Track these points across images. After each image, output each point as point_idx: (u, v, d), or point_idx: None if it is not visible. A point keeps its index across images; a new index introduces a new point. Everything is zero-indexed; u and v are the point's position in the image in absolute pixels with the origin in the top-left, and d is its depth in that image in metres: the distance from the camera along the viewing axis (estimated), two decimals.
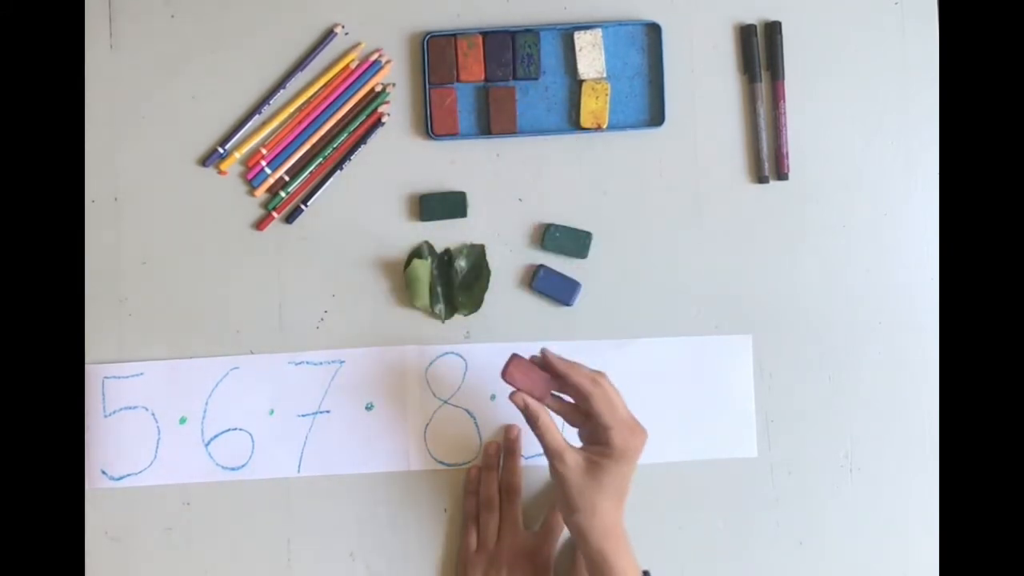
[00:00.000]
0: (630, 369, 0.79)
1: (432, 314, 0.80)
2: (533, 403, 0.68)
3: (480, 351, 0.80)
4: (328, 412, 0.80)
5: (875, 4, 0.81)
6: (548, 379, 0.69)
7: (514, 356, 0.70)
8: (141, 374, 0.80)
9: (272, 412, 0.80)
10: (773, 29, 0.80)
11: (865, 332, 0.80)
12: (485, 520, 0.77)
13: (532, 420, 0.68)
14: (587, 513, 0.66)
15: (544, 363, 0.70)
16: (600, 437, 0.67)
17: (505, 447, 0.79)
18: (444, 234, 0.80)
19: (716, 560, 0.78)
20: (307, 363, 0.80)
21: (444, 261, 0.80)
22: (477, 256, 0.80)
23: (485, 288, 0.79)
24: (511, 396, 0.69)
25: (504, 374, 0.69)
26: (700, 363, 0.79)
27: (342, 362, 0.80)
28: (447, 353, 0.80)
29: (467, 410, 0.80)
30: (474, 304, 0.79)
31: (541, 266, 0.79)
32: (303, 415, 0.80)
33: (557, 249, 0.80)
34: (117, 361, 0.80)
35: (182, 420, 0.80)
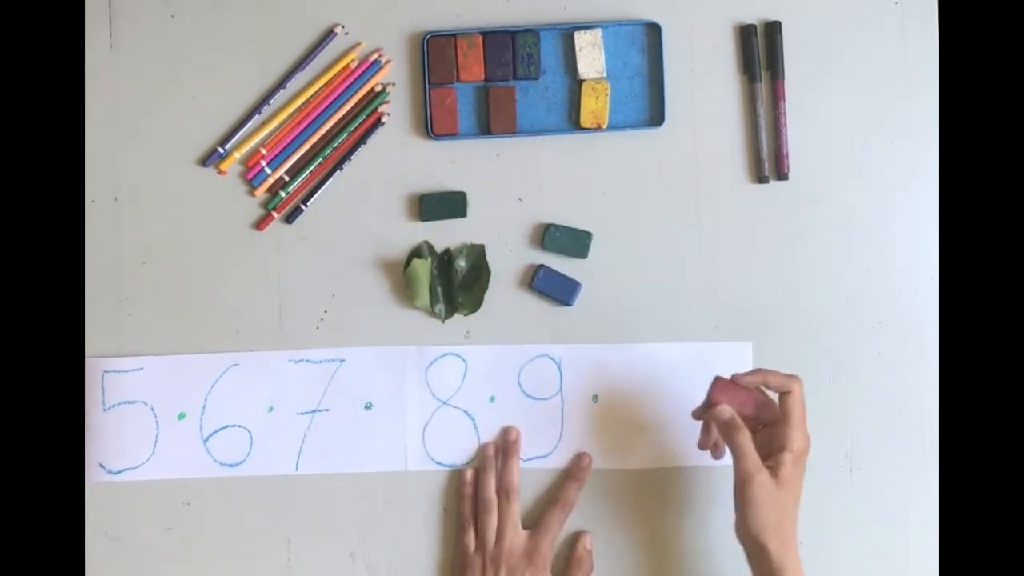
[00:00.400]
0: (630, 374, 0.79)
1: (432, 314, 0.80)
2: (738, 420, 0.69)
3: (480, 352, 0.80)
4: (327, 410, 0.80)
5: (875, 4, 0.81)
6: (753, 395, 0.70)
7: (717, 379, 0.71)
8: (141, 368, 0.80)
9: (271, 409, 0.80)
10: (773, 29, 0.80)
11: (865, 332, 0.80)
12: (484, 521, 0.77)
13: (732, 435, 0.68)
14: (774, 528, 0.67)
15: (740, 382, 0.71)
16: (780, 441, 0.68)
17: (504, 448, 0.79)
18: (444, 234, 0.80)
19: (717, 561, 0.78)
20: (307, 361, 0.80)
21: (444, 261, 0.80)
22: (477, 256, 0.80)
23: (485, 288, 0.79)
24: (714, 408, 0.69)
25: (711, 399, 0.70)
26: (700, 369, 0.79)
27: (342, 361, 0.80)
28: (447, 354, 0.80)
29: (466, 411, 0.80)
30: (474, 304, 0.79)
31: (541, 266, 0.79)
32: (302, 413, 0.80)
33: (557, 249, 0.80)
34: (118, 357, 0.80)
35: (181, 416, 0.80)
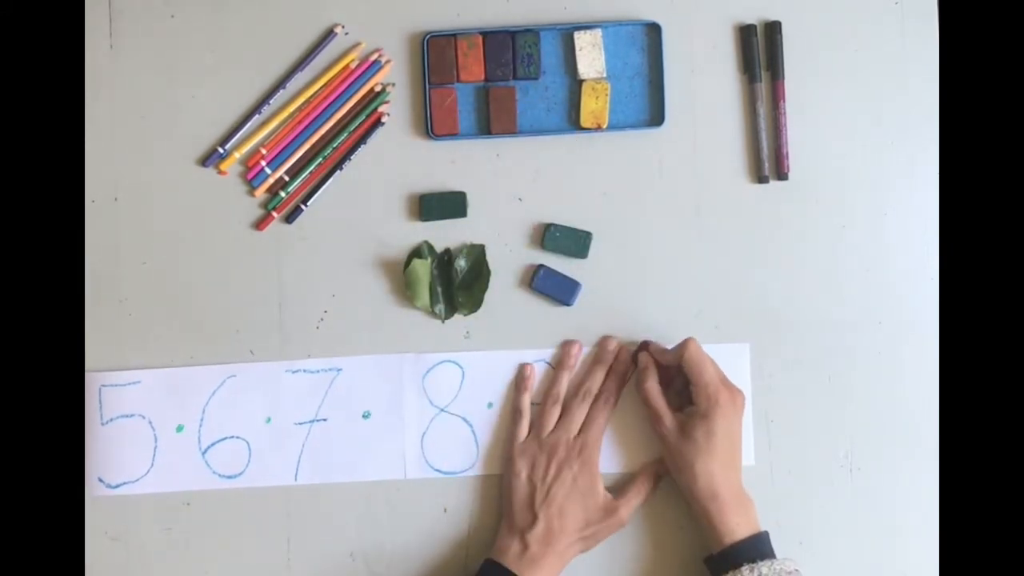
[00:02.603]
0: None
1: (432, 314, 0.80)
2: (645, 361, 0.77)
3: (477, 359, 0.80)
4: (325, 420, 0.79)
5: (875, 4, 0.81)
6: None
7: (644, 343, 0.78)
8: (138, 382, 0.79)
9: (269, 420, 0.80)
10: (773, 29, 0.80)
11: (865, 332, 0.80)
12: (547, 412, 0.78)
13: (641, 380, 0.76)
14: (687, 473, 0.73)
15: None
16: (690, 398, 0.74)
17: (598, 355, 0.79)
18: (444, 234, 0.80)
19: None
20: (304, 371, 0.80)
21: (444, 261, 0.80)
22: (477, 256, 0.80)
23: (485, 288, 0.79)
24: (635, 352, 0.78)
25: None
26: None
27: (339, 370, 0.80)
28: (444, 361, 0.80)
29: (464, 418, 0.80)
30: (474, 304, 0.79)
31: (541, 266, 0.79)
32: (300, 423, 0.79)
33: (557, 249, 0.80)
34: (116, 368, 0.80)
35: (179, 428, 0.79)
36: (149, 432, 0.79)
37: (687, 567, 0.78)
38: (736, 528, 0.71)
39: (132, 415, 0.79)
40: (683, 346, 0.75)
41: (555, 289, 0.79)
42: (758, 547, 0.71)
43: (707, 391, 0.73)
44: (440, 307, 0.80)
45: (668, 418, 0.75)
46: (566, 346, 0.79)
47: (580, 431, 0.77)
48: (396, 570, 0.79)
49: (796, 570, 0.70)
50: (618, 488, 0.77)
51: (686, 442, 0.73)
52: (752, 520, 0.72)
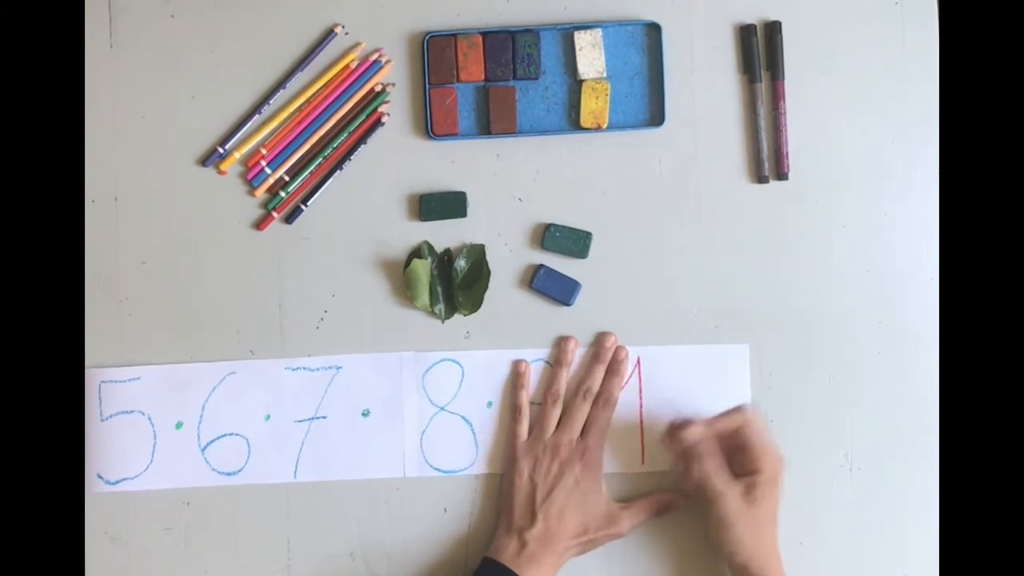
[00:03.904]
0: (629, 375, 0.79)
1: (432, 314, 0.80)
2: (708, 442, 0.73)
3: (477, 358, 0.80)
4: (325, 418, 0.79)
5: (875, 4, 0.81)
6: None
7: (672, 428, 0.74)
8: (138, 378, 0.79)
9: (268, 418, 0.80)
10: (773, 29, 0.80)
11: (865, 332, 0.80)
12: (548, 412, 0.78)
13: (705, 456, 0.72)
14: (749, 544, 0.71)
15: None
16: (750, 466, 0.72)
17: (596, 353, 0.79)
18: (444, 234, 0.80)
19: (717, 561, 0.78)
20: (304, 369, 0.80)
21: (444, 261, 0.80)
22: (477, 256, 0.80)
23: (485, 288, 0.79)
24: (684, 434, 0.72)
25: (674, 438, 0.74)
26: (697, 372, 0.79)
27: (339, 368, 0.80)
28: (444, 360, 0.80)
29: (463, 417, 0.80)
30: (474, 304, 0.79)
31: (541, 266, 0.79)
32: (299, 421, 0.79)
33: (557, 249, 0.80)
34: (116, 365, 0.80)
35: (178, 425, 0.79)
36: (148, 428, 0.79)
37: (687, 568, 0.78)
38: None
39: (132, 411, 0.79)
40: (742, 411, 0.73)
41: (555, 289, 0.79)
42: None
43: (774, 454, 0.72)
44: (440, 307, 0.80)
45: (733, 489, 0.71)
46: (562, 343, 0.79)
47: (582, 433, 0.77)
48: (396, 570, 0.79)
49: None
50: (618, 492, 0.77)
51: (752, 512, 0.71)
52: None
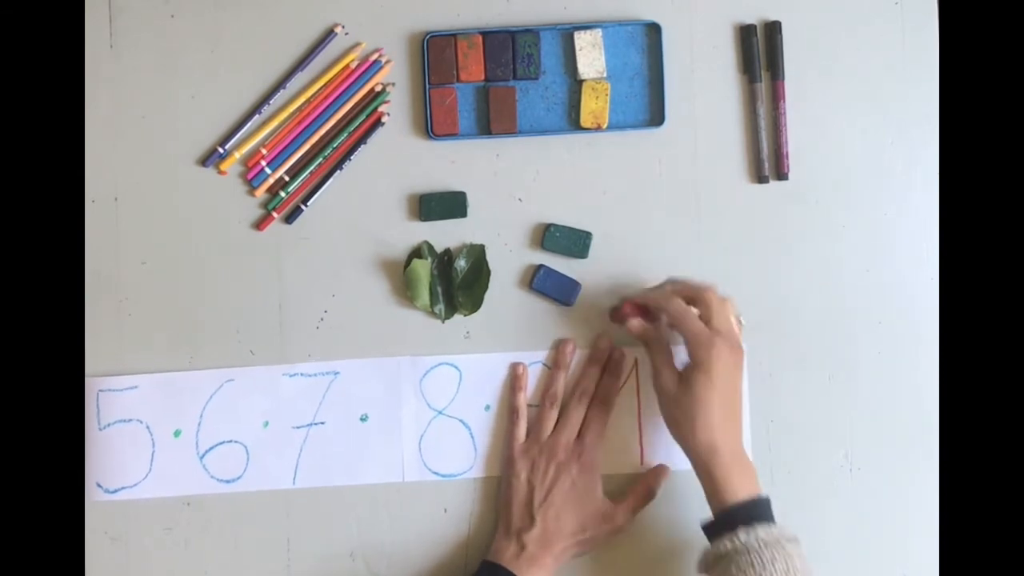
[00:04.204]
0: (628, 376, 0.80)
1: (432, 314, 0.80)
2: (645, 333, 0.75)
3: (474, 362, 0.80)
4: (323, 423, 0.79)
5: (875, 4, 0.81)
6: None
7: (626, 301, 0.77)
8: (135, 387, 0.79)
9: (266, 424, 0.80)
10: (773, 29, 0.80)
11: (865, 332, 0.80)
12: (545, 414, 0.78)
13: (648, 342, 0.75)
14: (687, 427, 0.70)
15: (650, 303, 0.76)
16: (688, 351, 0.71)
17: (592, 355, 0.79)
18: (444, 234, 0.80)
19: None
20: (301, 375, 0.80)
21: (444, 261, 0.80)
22: (477, 256, 0.80)
23: (485, 288, 0.79)
24: (628, 326, 0.76)
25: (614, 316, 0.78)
26: None
27: (336, 373, 0.80)
28: (441, 364, 0.80)
29: (462, 420, 0.80)
30: (474, 304, 0.79)
31: (541, 266, 0.79)
32: (298, 427, 0.79)
33: (557, 249, 0.80)
34: (117, 368, 0.80)
35: (177, 433, 0.79)
36: (147, 437, 0.79)
37: (687, 568, 0.78)
38: (737, 489, 0.67)
39: (130, 420, 0.79)
40: (665, 300, 0.73)
41: (555, 289, 0.79)
42: (758, 510, 0.67)
43: (699, 341, 0.70)
44: (440, 307, 0.80)
45: (668, 370, 0.72)
46: (560, 345, 0.79)
47: (579, 434, 0.77)
48: (396, 570, 0.79)
49: (795, 537, 0.67)
50: (617, 492, 0.77)
51: (685, 395, 0.70)
52: (753, 483, 0.69)
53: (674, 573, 0.79)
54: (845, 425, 0.80)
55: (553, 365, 0.79)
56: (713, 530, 0.68)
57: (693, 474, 0.77)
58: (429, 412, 0.80)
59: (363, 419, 0.80)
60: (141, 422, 0.79)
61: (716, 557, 0.67)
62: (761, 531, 0.65)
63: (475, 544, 0.79)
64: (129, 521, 0.79)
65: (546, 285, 0.79)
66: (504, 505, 0.77)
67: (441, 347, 0.80)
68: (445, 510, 0.79)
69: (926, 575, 0.79)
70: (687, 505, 0.79)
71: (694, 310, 0.72)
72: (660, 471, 0.78)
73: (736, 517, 0.66)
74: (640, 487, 0.77)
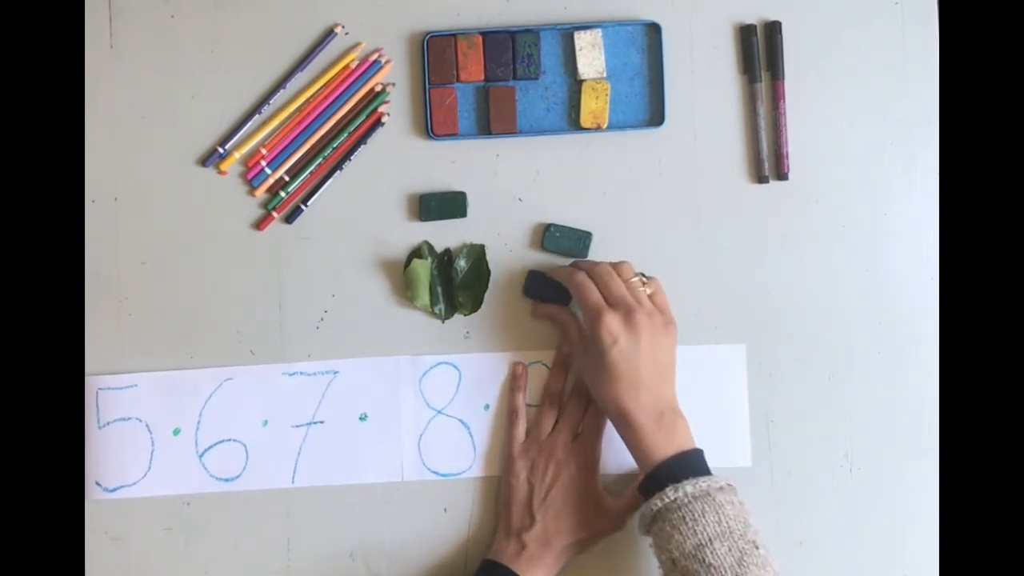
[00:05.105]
0: None
1: (432, 314, 0.80)
2: (558, 314, 0.77)
3: (474, 361, 0.80)
4: (322, 423, 0.79)
5: (875, 4, 0.81)
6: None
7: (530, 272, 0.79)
8: (135, 385, 0.79)
9: (266, 423, 0.79)
10: (773, 29, 0.80)
11: (865, 332, 0.80)
12: (545, 414, 0.78)
13: (559, 320, 0.77)
14: (596, 399, 0.73)
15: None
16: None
17: None
18: (444, 234, 0.80)
19: None
20: (301, 374, 0.80)
21: (444, 261, 0.80)
22: (477, 256, 0.80)
23: (485, 288, 0.79)
24: (537, 310, 0.78)
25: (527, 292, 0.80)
26: (694, 372, 0.79)
27: (336, 372, 0.80)
28: (441, 363, 0.80)
29: (461, 420, 0.80)
30: (474, 304, 0.79)
31: (529, 272, 0.79)
32: (297, 426, 0.79)
33: (557, 249, 0.80)
34: (117, 368, 0.80)
35: (176, 431, 0.79)
36: (146, 436, 0.79)
37: None
38: (661, 448, 0.68)
39: (129, 419, 0.79)
40: (567, 275, 0.75)
41: (549, 293, 0.79)
42: (687, 465, 0.67)
43: (588, 315, 0.72)
44: (440, 307, 0.80)
45: (570, 344, 0.76)
46: (560, 345, 0.79)
47: (579, 433, 0.77)
48: (396, 570, 0.79)
49: (729, 485, 0.67)
50: (617, 490, 0.77)
51: (585, 367, 0.74)
52: (679, 439, 0.68)
53: None
54: (845, 425, 0.80)
55: (553, 365, 0.79)
56: (644, 491, 0.69)
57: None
58: (428, 412, 0.80)
59: (362, 418, 0.80)
60: (140, 421, 0.79)
61: (651, 518, 0.68)
62: (688, 486, 0.66)
63: (475, 544, 0.79)
64: (129, 521, 0.79)
65: (540, 290, 0.79)
66: (504, 505, 0.77)
67: (441, 347, 0.80)
68: (445, 510, 0.79)
69: (926, 575, 0.79)
70: None
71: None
72: None
73: (662, 475, 0.67)
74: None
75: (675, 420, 0.70)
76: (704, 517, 0.64)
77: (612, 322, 0.70)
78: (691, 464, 0.68)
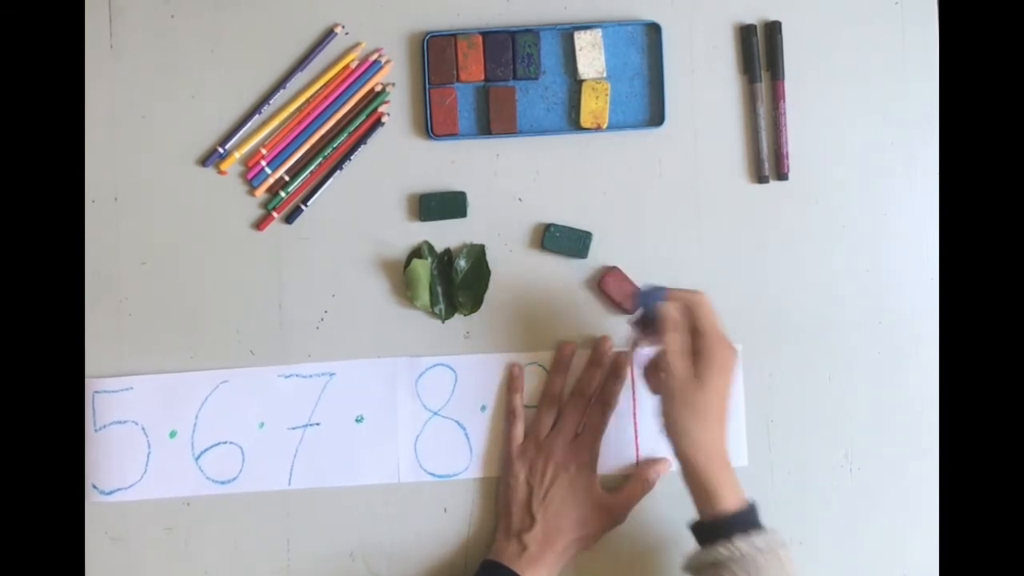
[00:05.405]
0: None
1: (432, 314, 0.80)
2: (676, 319, 0.69)
3: (470, 363, 0.80)
4: (318, 424, 0.79)
5: (875, 4, 0.81)
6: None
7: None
8: (131, 388, 0.79)
9: (262, 425, 0.79)
10: (773, 29, 0.80)
11: (865, 332, 0.80)
12: (544, 415, 0.78)
13: (667, 329, 0.69)
14: (694, 431, 0.67)
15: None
16: (698, 350, 0.68)
17: (594, 358, 0.79)
18: (444, 234, 0.80)
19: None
20: (297, 376, 0.80)
21: (444, 261, 0.80)
22: (477, 256, 0.80)
23: (485, 288, 0.79)
24: (659, 307, 0.70)
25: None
26: None
27: (332, 374, 0.80)
28: (437, 365, 0.80)
29: (457, 421, 0.80)
30: (474, 304, 0.79)
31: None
32: (293, 428, 0.79)
33: (557, 249, 0.80)
34: (116, 368, 0.80)
35: (172, 434, 0.79)
36: (142, 438, 0.79)
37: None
38: (730, 494, 0.67)
39: (125, 421, 0.79)
40: (697, 294, 0.70)
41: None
42: (751, 516, 0.67)
43: (727, 342, 0.69)
44: (440, 307, 0.80)
45: (683, 360, 0.68)
46: (560, 348, 0.79)
47: (578, 433, 0.77)
48: (396, 570, 0.79)
49: (786, 542, 0.67)
50: (615, 487, 0.77)
51: (703, 394, 0.67)
52: (740, 489, 0.68)
53: (673, 571, 0.79)
54: (845, 425, 0.80)
55: (552, 366, 0.79)
56: (705, 535, 0.68)
57: None
58: (425, 413, 0.80)
59: (359, 420, 0.80)
60: (136, 423, 0.79)
61: (708, 563, 0.67)
62: (757, 539, 0.66)
63: (475, 544, 0.79)
64: (129, 521, 0.79)
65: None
66: (504, 506, 0.77)
67: (441, 347, 0.80)
68: (445, 510, 0.79)
69: (926, 575, 0.79)
70: (686, 503, 0.79)
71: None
72: (658, 463, 0.78)
73: (733, 525, 0.66)
74: (639, 481, 0.77)
75: (732, 467, 0.69)
76: (769, 571, 0.65)
77: (734, 357, 0.69)
78: (754, 516, 0.68)
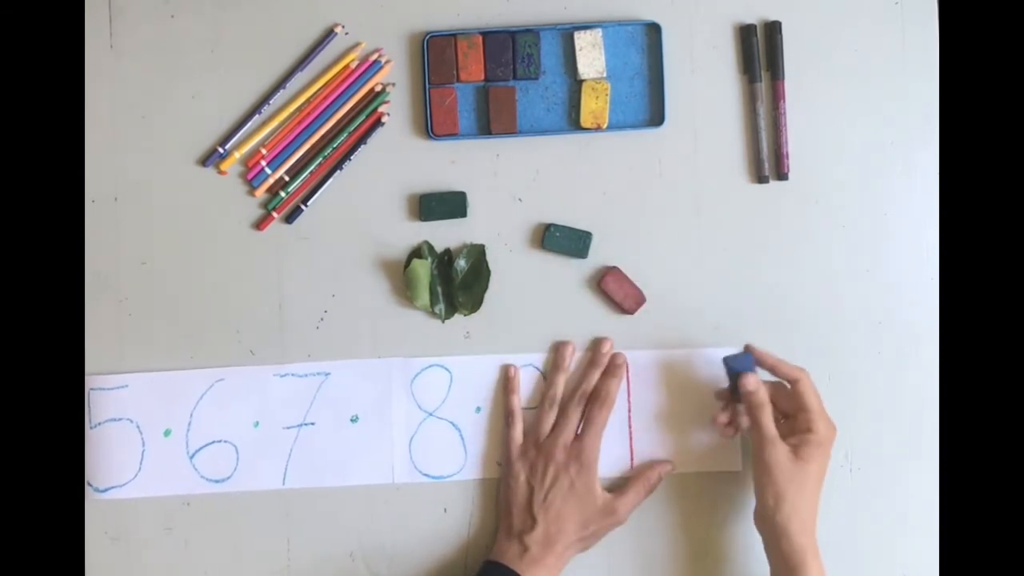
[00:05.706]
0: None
1: (432, 314, 0.80)
2: (764, 391, 0.72)
3: (465, 364, 0.80)
4: (313, 424, 0.79)
5: (875, 4, 0.81)
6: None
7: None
8: (126, 386, 0.79)
9: (257, 424, 0.79)
10: (773, 29, 0.80)
11: (865, 332, 0.80)
12: (544, 416, 0.78)
13: (759, 405, 0.71)
14: (792, 505, 0.69)
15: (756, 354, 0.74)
16: (801, 427, 0.71)
17: (594, 358, 0.79)
18: (444, 234, 0.80)
19: (718, 562, 0.78)
20: (292, 375, 0.80)
21: (444, 261, 0.80)
22: (477, 256, 0.80)
23: (485, 288, 0.79)
24: (743, 381, 0.72)
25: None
26: (689, 375, 0.79)
27: (327, 374, 0.80)
28: (432, 365, 0.80)
29: (452, 422, 0.80)
30: (474, 304, 0.79)
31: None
32: (288, 427, 0.79)
33: (557, 249, 0.80)
34: (115, 368, 0.80)
35: (167, 432, 0.79)
36: (137, 436, 0.79)
37: (686, 566, 0.78)
38: (821, 570, 0.69)
39: (120, 419, 0.79)
40: (802, 370, 0.73)
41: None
42: None
43: (826, 419, 0.72)
44: (440, 307, 0.80)
45: (781, 443, 0.70)
46: (559, 348, 0.79)
47: (578, 434, 0.77)
48: (396, 570, 0.79)
49: None
50: (616, 487, 0.77)
51: (799, 473, 0.69)
52: (825, 572, 0.70)
53: (673, 572, 0.79)
54: (845, 425, 0.80)
55: (552, 367, 0.79)
56: None
57: (692, 474, 0.78)
58: (420, 414, 0.79)
59: (354, 420, 0.79)
60: (131, 421, 0.79)
61: None
62: None
63: (475, 544, 0.79)
64: (129, 521, 0.79)
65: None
66: (504, 507, 0.77)
67: (441, 347, 0.80)
68: (445, 510, 0.79)
69: (926, 575, 0.79)
70: (686, 503, 0.79)
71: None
72: (660, 464, 0.78)
73: None
74: (642, 482, 0.77)
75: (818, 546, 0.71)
76: None
77: (832, 437, 0.72)
78: None
